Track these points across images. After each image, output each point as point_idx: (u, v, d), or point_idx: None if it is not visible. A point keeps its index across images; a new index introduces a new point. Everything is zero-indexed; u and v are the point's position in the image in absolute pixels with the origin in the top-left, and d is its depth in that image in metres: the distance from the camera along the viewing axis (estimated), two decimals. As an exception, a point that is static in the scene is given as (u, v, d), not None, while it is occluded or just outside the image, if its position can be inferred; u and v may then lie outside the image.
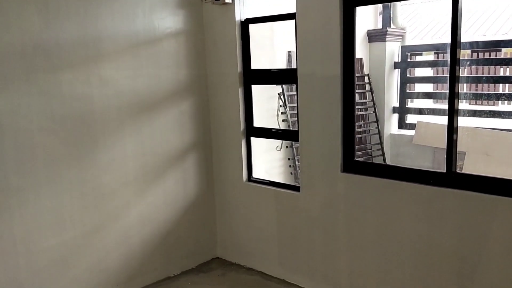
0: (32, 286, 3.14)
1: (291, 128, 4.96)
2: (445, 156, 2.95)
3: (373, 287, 3.32)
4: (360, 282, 3.38)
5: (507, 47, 6.21)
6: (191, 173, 4.07)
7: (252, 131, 4.01)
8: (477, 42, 6.33)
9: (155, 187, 3.81)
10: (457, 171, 2.95)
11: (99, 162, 3.42)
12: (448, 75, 2.90)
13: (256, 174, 4.12)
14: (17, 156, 3.02)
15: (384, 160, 5.86)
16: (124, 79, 3.50)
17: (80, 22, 3.22)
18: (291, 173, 5.21)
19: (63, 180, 3.24)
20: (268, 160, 5.03)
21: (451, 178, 2.92)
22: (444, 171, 2.96)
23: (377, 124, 5.95)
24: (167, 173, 3.88)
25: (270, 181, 3.99)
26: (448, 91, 2.90)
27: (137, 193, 3.69)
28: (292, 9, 3.44)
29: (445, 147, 2.94)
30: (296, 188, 3.75)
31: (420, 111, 6.06)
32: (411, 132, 5.92)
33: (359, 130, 5.77)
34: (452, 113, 2.89)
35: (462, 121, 5.23)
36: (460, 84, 2.93)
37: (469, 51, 6.46)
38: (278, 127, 4.80)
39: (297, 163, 5.15)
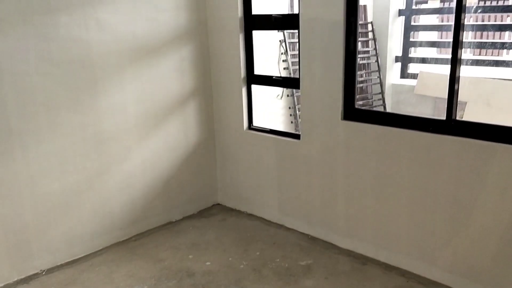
0: (37, 228, 3.23)
1: (292, 76, 4.91)
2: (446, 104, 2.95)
3: (369, 231, 3.41)
4: (357, 226, 3.47)
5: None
6: (192, 121, 4.08)
7: (253, 79, 3.97)
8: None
9: (156, 134, 3.83)
10: (457, 118, 2.95)
11: (99, 107, 3.42)
12: (453, 23, 2.84)
13: (256, 122, 4.13)
14: (17, 100, 3.01)
15: (385, 110, 5.85)
16: (122, 23, 3.43)
17: (75, -38, 3.11)
18: (292, 122, 5.22)
19: (64, 124, 3.25)
20: (269, 109, 5.02)
21: (451, 125, 2.93)
22: (444, 118, 2.97)
23: (379, 74, 5.89)
24: (168, 120, 3.88)
25: (270, 129, 4.00)
26: (452, 40, 2.85)
27: (138, 139, 3.71)
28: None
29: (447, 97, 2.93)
30: (296, 136, 3.77)
31: (423, 61, 5.98)
32: (413, 82, 5.87)
33: (360, 79, 5.72)
34: (455, 62, 2.84)
35: (465, 71, 5.18)
36: (465, 32, 2.88)
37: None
38: (279, 75, 4.76)
39: (297, 112, 5.15)
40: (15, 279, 3.16)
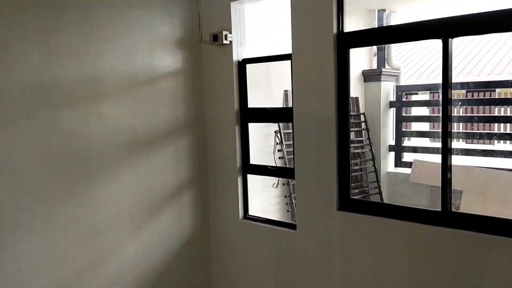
0: (21, 327, 3.07)
1: (287, 166, 4.98)
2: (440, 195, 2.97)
3: (370, 329, 3.25)
4: (357, 323, 3.31)
5: (500, 88, 6.33)
6: (187, 210, 4.06)
7: (249, 168, 4.02)
8: (469, 83, 6.47)
9: (150, 225, 3.79)
10: (453, 210, 2.95)
11: (95, 199, 3.41)
12: (441, 115, 2.95)
13: (252, 211, 4.11)
14: (12, 192, 3.01)
15: (381, 198, 5.86)
16: (122, 117, 3.55)
17: (80, 61, 3.29)
18: (288, 211, 5.19)
19: (58, 217, 3.22)
20: (265, 198, 5.02)
21: (447, 217, 2.92)
22: (440, 210, 2.97)
23: (374, 162, 5.98)
24: (162, 210, 3.86)
25: (266, 219, 3.97)
26: (441, 130, 2.95)
27: (131, 230, 3.66)
28: (288, 50, 3.54)
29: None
30: (292, 226, 3.73)
31: (415, 150, 6.11)
32: (407, 170, 5.94)
33: (355, 168, 5.80)
34: (446, 151, 2.92)
35: (457, 160, 5.28)
36: (454, 123, 2.99)
37: (463, 91, 6.59)
38: (275, 165, 4.83)
39: (293, 200, 5.14)
40: None
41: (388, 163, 6.15)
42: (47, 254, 3.18)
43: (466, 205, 5.04)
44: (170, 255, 3.93)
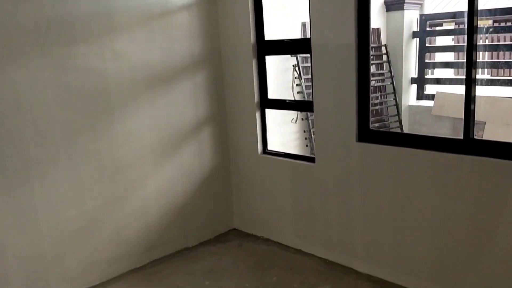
0: (54, 256, 3.25)
1: (305, 99, 4.93)
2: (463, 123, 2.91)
3: (388, 255, 3.33)
4: (375, 250, 3.39)
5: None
6: (207, 146, 4.11)
7: (267, 103, 3.99)
8: (496, 10, 6.12)
9: (172, 160, 3.86)
10: (475, 137, 2.90)
11: (116, 134, 3.47)
12: (466, 44, 2.83)
13: (271, 147, 4.13)
14: (35, 129, 3.08)
15: (402, 131, 5.79)
16: (137, 52, 3.51)
17: (92, -6, 3.22)
18: (307, 145, 5.20)
19: (81, 152, 3.30)
20: (284, 133, 5.03)
21: (469, 144, 2.87)
22: (462, 137, 2.92)
23: (395, 96, 5.86)
24: (183, 146, 3.92)
25: (285, 153, 3.99)
26: (465, 60, 2.84)
27: (153, 165, 3.74)
28: (305, -24, 3.38)
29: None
30: (311, 159, 3.75)
31: (439, 81, 5.94)
32: (429, 103, 5.81)
33: (376, 101, 5.70)
34: (470, 82, 2.83)
35: (481, 90, 5.12)
36: (479, 52, 2.87)
37: (490, 21, 6.26)
38: (293, 99, 4.78)
39: (312, 135, 5.14)
40: (32, 307, 3.17)
41: (409, 96, 6.02)
42: (73, 187, 3.29)
43: (489, 135, 4.95)
44: (192, 189, 4.03)
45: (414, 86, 6.03)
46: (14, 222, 3.05)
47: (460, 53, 6.34)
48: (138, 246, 3.71)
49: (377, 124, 5.67)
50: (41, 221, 3.16)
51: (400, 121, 5.88)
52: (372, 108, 3.41)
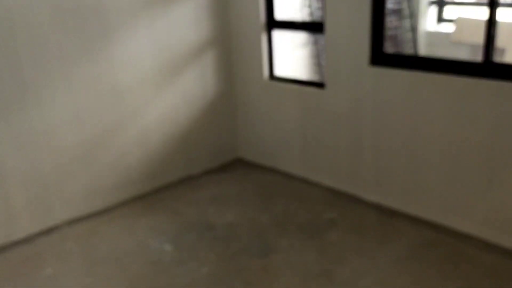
0: (56, 180, 3.20)
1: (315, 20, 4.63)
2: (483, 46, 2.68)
3: (398, 184, 3.22)
4: (385, 179, 3.29)
5: None
6: (210, 71, 3.91)
7: (274, 24, 3.73)
8: None
9: (173, 85, 3.69)
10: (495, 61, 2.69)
11: (114, 57, 3.29)
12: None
13: (278, 72, 3.92)
14: (30, 52, 2.92)
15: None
16: (133, -33, 3.24)
17: None
18: (316, 72, 4.97)
19: (79, 76, 3.15)
20: (292, 60, 4.79)
21: (488, 67, 2.67)
22: (481, 61, 2.70)
23: (412, 20, 5.49)
24: (185, 71, 3.73)
25: (293, 79, 3.79)
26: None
27: (154, 91, 3.58)
28: None
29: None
30: (320, 85, 3.55)
31: (460, 4, 5.55)
32: (449, 29, 5.47)
33: (391, 26, 5.35)
34: (492, 3, 2.60)
35: (504, 15, 4.75)
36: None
37: None
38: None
39: (321, 61, 4.90)
40: (36, 231, 3.16)
41: (427, 21, 5.65)
42: (72, 113, 3.18)
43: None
44: (195, 116, 3.89)
45: (433, 10, 5.65)
46: (13, 146, 2.98)
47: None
48: (141, 173, 3.65)
49: (391, 50, 5.36)
50: (41, 146, 3.09)
51: (415, 46, 5.56)
52: (387, 33, 3.15)
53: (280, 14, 3.75)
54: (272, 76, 3.89)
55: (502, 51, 4.88)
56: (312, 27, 3.86)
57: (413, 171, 3.11)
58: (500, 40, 4.59)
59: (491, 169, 2.74)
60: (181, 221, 3.27)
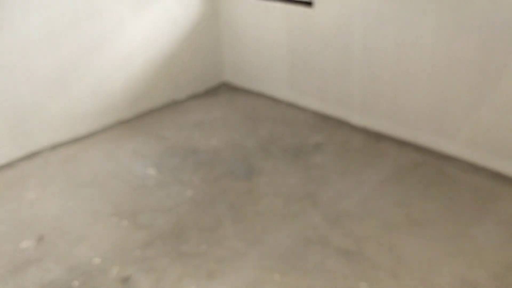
0: (35, 104, 3.09)
1: None
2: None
3: (385, 106, 3.16)
4: (372, 101, 3.22)
5: None
6: (193, -11, 3.68)
7: None
8: None
9: (154, 4, 3.47)
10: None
11: (86, -29, 3.06)
12: None
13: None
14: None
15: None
16: None
17: None
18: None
19: (49, -9, 2.95)
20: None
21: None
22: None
23: None
24: (165, -12, 3.50)
25: (281, -3, 3.59)
26: None
27: (134, 9, 3.38)
28: None
29: None
30: (308, 3, 3.36)
31: None
32: None
33: None
34: None
35: None
36: None
37: None
38: None
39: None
40: (18, 156, 3.11)
41: None
42: (46, 32, 3.01)
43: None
44: (179, 38, 3.71)
45: None
46: (-17, 68, 2.84)
47: None
48: (125, 98, 3.54)
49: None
50: (16, 67, 2.94)
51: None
52: None
53: None
54: (258, -6, 3.67)
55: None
56: None
57: (401, 92, 3.03)
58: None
59: (479, 91, 2.66)
60: (166, 146, 3.22)
